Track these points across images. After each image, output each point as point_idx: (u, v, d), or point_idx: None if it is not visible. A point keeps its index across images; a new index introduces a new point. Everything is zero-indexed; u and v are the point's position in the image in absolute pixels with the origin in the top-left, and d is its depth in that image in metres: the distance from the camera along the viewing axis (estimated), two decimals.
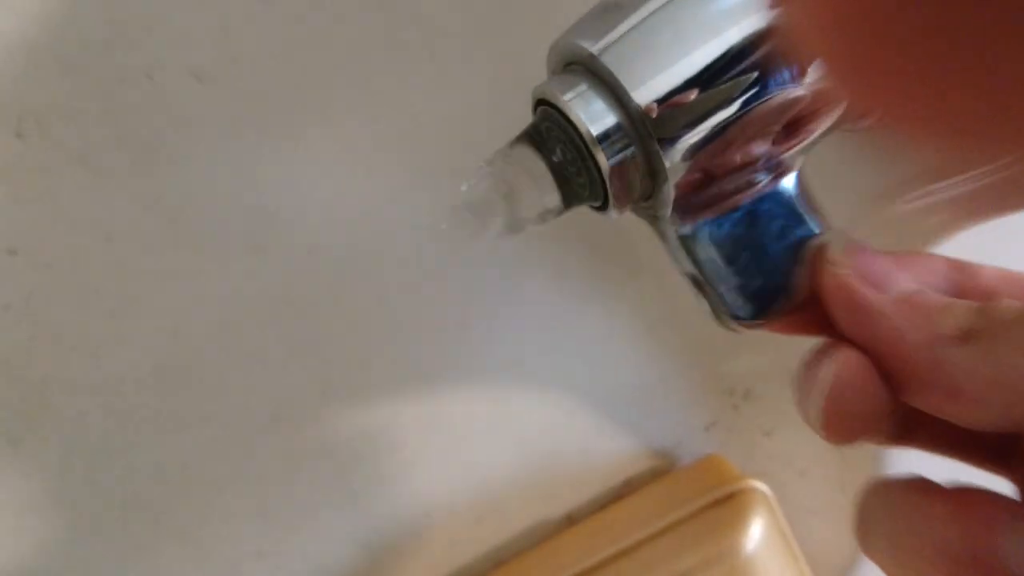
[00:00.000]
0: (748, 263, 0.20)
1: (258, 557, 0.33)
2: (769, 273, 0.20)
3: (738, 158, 0.18)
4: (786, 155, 0.19)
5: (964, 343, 0.17)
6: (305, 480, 0.33)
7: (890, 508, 0.19)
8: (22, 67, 0.26)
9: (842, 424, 0.19)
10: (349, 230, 0.30)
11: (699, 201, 0.19)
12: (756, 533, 0.30)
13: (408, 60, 0.28)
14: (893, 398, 0.19)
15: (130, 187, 0.28)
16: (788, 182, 0.20)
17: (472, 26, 0.27)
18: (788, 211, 0.20)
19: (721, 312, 0.21)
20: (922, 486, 0.19)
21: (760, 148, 0.18)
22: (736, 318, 0.21)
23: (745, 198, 0.19)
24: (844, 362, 0.19)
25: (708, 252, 0.20)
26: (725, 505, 0.31)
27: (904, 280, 0.20)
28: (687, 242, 0.20)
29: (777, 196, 0.20)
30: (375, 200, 0.29)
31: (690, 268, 0.20)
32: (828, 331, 0.20)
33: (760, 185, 0.19)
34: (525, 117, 0.21)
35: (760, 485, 0.32)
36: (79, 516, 0.30)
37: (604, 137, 0.17)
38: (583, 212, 0.22)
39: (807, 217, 0.20)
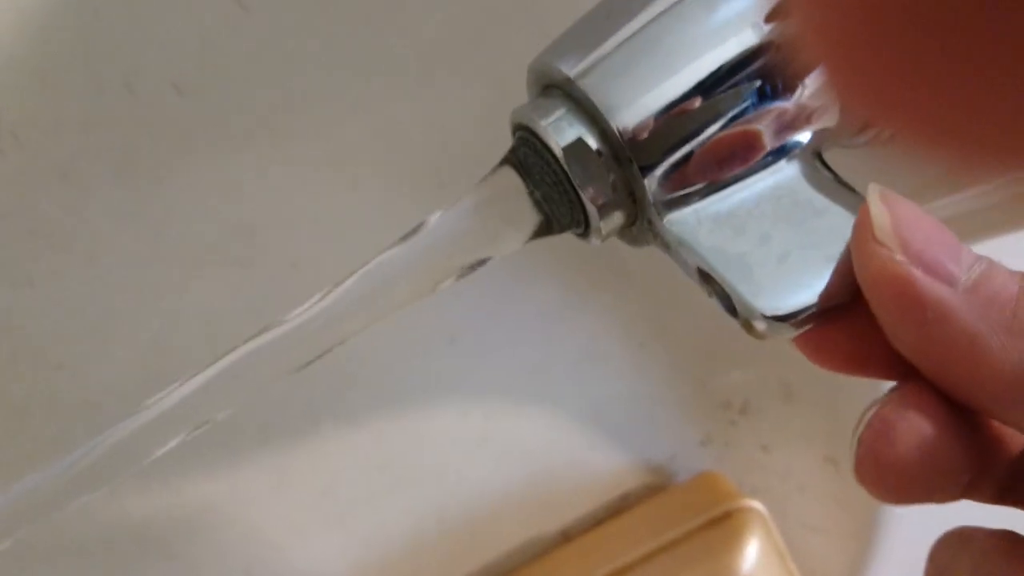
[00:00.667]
0: (759, 242, 0.17)
1: None
2: (784, 256, 0.16)
3: (725, 165, 0.17)
4: (786, 130, 0.17)
5: None
6: (294, 497, 0.32)
7: (975, 563, 0.15)
8: None
9: (886, 484, 0.15)
10: (333, 245, 0.29)
11: (689, 187, 0.17)
12: (752, 554, 0.29)
13: (394, 73, 0.27)
14: (975, 447, 0.15)
15: (111, 201, 0.27)
16: (802, 140, 0.17)
17: (461, 41, 0.27)
18: (803, 180, 0.17)
19: (741, 308, 0.17)
20: (1012, 540, 0.15)
21: (750, 151, 0.17)
22: (759, 315, 0.16)
23: (745, 170, 0.17)
24: (894, 399, 0.15)
25: (710, 236, 0.17)
26: (721, 525, 0.30)
27: (973, 254, 0.15)
28: (685, 232, 0.17)
29: (787, 167, 0.17)
30: (359, 215, 0.29)
31: (695, 260, 0.17)
32: (884, 370, 0.16)
33: (763, 156, 0.17)
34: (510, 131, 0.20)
35: (757, 504, 0.31)
36: (61, 536, 0.30)
37: (582, 162, 0.16)
38: None
39: (826, 184, 0.17)
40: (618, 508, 0.36)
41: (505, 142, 0.22)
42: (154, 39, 0.26)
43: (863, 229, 0.15)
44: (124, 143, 0.27)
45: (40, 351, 0.28)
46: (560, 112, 0.17)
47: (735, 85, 0.16)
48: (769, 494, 0.35)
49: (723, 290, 0.17)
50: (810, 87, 0.17)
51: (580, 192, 0.17)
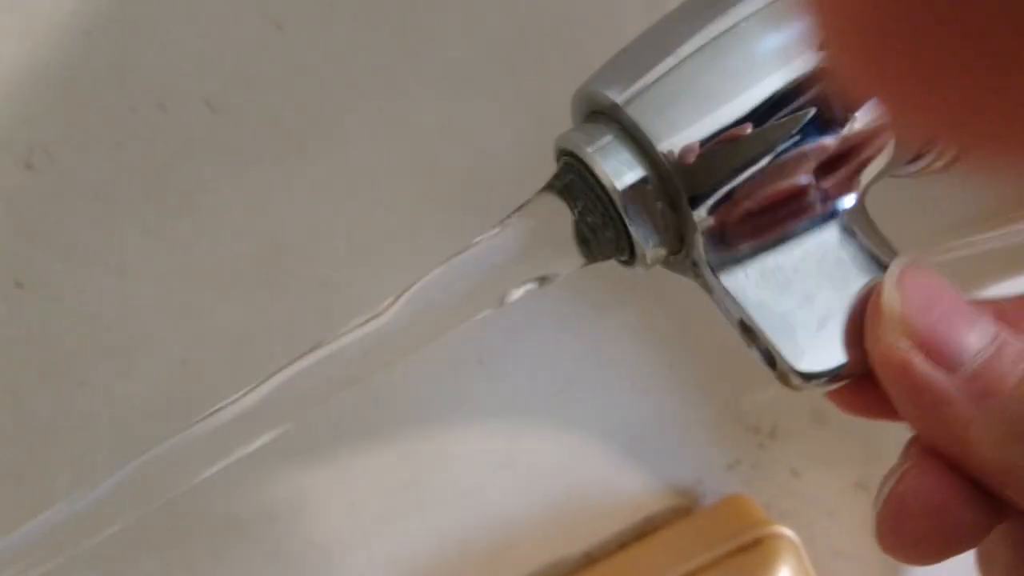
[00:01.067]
0: (802, 303, 0.17)
1: None
2: (825, 319, 0.17)
3: (776, 199, 0.17)
4: (835, 185, 0.17)
5: None
6: (317, 516, 0.32)
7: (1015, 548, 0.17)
8: (32, 98, 0.25)
9: (907, 555, 0.17)
10: (363, 265, 0.29)
11: (738, 236, 0.17)
12: None
13: (426, 91, 0.27)
14: (986, 508, 0.16)
15: (141, 219, 0.27)
16: (847, 203, 0.17)
17: (493, 60, 0.27)
18: (844, 239, 0.17)
19: (780, 364, 0.17)
20: None
21: (801, 183, 0.17)
22: (795, 372, 0.17)
23: (794, 224, 0.17)
24: (906, 476, 0.16)
25: (756, 291, 0.17)
26: (751, 552, 0.30)
27: (990, 336, 0.16)
28: (731, 283, 0.17)
29: (832, 222, 0.17)
30: (390, 234, 0.28)
31: (738, 312, 0.17)
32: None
33: (811, 210, 0.17)
34: (544, 154, 0.20)
35: (787, 531, 0.31)
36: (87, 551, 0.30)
37: (630, 191, 0.16)
38: None
39: (867, 247, 0.17)
40: (643, 531, 0.35)
41: (538, 163, 0.21)
42: (188, 57, 0.26)
43: (874, 312, 0.16)
44: (156, 161, 0.27)
45: (67, 368, 0.28)
46: (607, 139, 0.16)
47: (787, 114, 0.16)
48: (798, 519, 0.35)
49: (764, 345, 0.17)
50: (863, 118, 0.16)
51: (627, 220, 0.16)
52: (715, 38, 0.16)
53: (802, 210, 0.17)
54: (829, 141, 0.17)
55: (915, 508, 0.16)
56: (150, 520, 0.29)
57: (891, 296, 0.16)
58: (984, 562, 0.18)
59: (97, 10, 0.25)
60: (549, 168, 0.20)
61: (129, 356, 0.28)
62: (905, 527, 0.16)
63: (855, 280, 0.17)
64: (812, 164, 0.17)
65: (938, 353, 0.15)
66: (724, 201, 0.16)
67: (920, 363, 0.15)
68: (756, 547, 0.30)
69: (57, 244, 0.27)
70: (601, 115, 0.17)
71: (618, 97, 0.16)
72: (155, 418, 0.29)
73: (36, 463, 0.28)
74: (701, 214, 0.16)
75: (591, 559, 0.35)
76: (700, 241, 0.17)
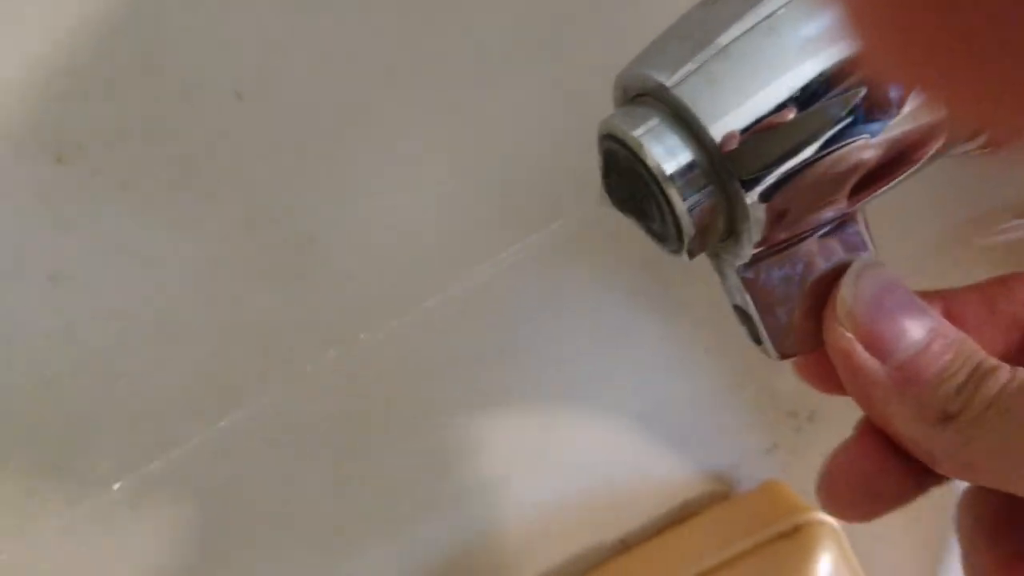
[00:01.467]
0: (797, 301, 0.19)
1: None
2: (812, 308, 0.19)
3: (818, 199, 0.17)
4: (865, 199, 0.18)
5: (943, 425, 0.17)
6: (352, 505, 0.32)
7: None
8: (62, 91, 0.25)
9: (841, 509, 0.20)
10: (393, 255, 0.29)
11: (782, 222, 0.17)
12: (825, 570, 0.28)
13: (459, 78, 0.26)
14: (911, 476, 0.19)
15: (172, 210, 0.27)
16: (853, 218, 0.19)
17: (528, 45, 0.26)
18: (847, 249, 0.19)
19: (763, 344, 0.20)
20: None
21: (840, 191, 0.17)
22: (775, 353, 0.20)
23: (811, 238, 0.19)
24: (846, 446, 0.20)
25: (765, 293, 0.19)
26: (790, 539, 0.29)
27: (926, 330, 0.18)
28: (747, 282, 0.19)
29: (841, 235, 0.19)
30: (422, 223, 0.28)
31: (743, 304, 0.19)
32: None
33: (827, 225, 0.18)
34: (585, 140, 0.20)
35: (827, 517, 0.30)
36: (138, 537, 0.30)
37: (679, 176, 0.16)
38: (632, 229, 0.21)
39: (864, 255, 0.19)
40: (679, 517, 0.35)
41: (579, 150, 0.21)
42: (215, 44, 0.25)
43: (831, 305, 0.19)
44: (185, 151, 0.26)
45: (102, 361, 0.28)
46: (654, 121, 0.16)
47: (837, 95, 0.16)
48: None
49: (753, 328, 0.20)
50: (914, 101, 0.16)
51: (674, 206, 0.16)
52: (764, 18, 0.16)
53: (839, 198, 0.17)
54: (879, 124, 0.16)
55: (848, 474, 0.20)
56: None
57: (846, 291, 0.19)
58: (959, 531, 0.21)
59: (123, 1, 0.24)
60: (588, 153, 0.19)
61: (164, 346, 0.28)
62: (838, 489, 0.20)
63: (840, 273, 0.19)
64: (863, 160, 0.16)
65: (875, 344, 0.18)
66: (776, 186, 0.16)
67: (859, 352, 0.18)
68: (796, 534, 0.30)
69: (89, 236, 0.27)
70: (646, 97, 0.16)
71: (666, 78, 0.16)
72: (194, 406, 0.29)
73: (75, 453, 0.28)
74: (753, 198, 0.16)
75: (626, 545, 0.35)
76: (748, 227, 0.16)
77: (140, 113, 0.26)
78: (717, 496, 0.35)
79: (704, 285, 0.32)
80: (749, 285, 0.19)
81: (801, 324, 0.19)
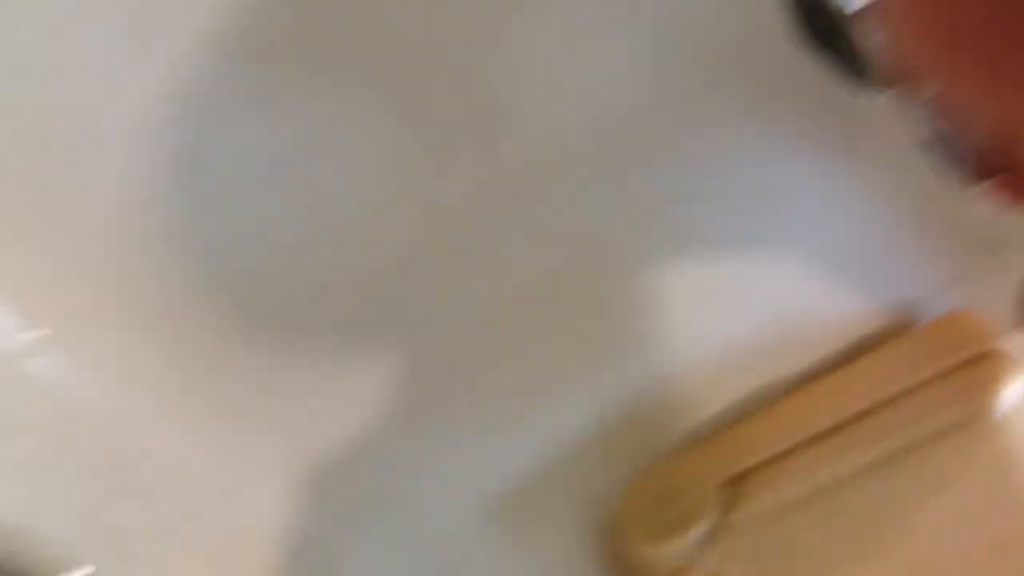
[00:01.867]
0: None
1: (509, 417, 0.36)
2: None
3: None
4: None
5: None
6: (546, 349, 0.34)
7: None
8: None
9: None
10: (572, 114, 0.30)
11: None
12: (1010, 396, 0.28)
13: None
14: None
15: (369, 96, 0.29)
16: None
17: None
18: None
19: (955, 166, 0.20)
20: None
21: None
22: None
23: None
24: None
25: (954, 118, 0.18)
26: (975, 366, 0.30)
27: None
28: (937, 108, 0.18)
29: None
30: (598, 82, 0.29)
31: (932, 132, 0.19)
32: None
33: None
34: None
35: (1016, 344, 0.30)
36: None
37: (861, 13, 0.16)
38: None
39: None
40: (861, 349, 0.35)
41: None
42: None
43: None
44: (378, 33, 0.28)
45: (316, 238, 0.31)
46: None
47: None
48: None
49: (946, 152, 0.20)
50: None
51: (861, 40, 0.16)
52: None
53: None
54: None
55: None
56: None
57: None
58: None
59: None
60: None
61: (373, 221, 0.31)
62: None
63: None
64: None
65: None
66: None
67: None
68: (981, 361, 0.30)
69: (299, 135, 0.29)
70: None
71: None
72: (396, 273, 0.32)
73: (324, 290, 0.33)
74: None
75: (804, 379, 0.36)
76: None
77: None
78: (901, 328, 0.35)
79: (885, 127, 0.31)
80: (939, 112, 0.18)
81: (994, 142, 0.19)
